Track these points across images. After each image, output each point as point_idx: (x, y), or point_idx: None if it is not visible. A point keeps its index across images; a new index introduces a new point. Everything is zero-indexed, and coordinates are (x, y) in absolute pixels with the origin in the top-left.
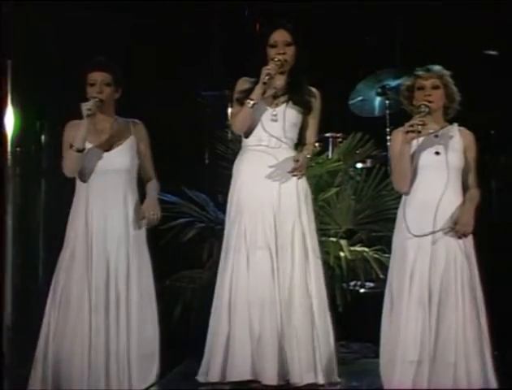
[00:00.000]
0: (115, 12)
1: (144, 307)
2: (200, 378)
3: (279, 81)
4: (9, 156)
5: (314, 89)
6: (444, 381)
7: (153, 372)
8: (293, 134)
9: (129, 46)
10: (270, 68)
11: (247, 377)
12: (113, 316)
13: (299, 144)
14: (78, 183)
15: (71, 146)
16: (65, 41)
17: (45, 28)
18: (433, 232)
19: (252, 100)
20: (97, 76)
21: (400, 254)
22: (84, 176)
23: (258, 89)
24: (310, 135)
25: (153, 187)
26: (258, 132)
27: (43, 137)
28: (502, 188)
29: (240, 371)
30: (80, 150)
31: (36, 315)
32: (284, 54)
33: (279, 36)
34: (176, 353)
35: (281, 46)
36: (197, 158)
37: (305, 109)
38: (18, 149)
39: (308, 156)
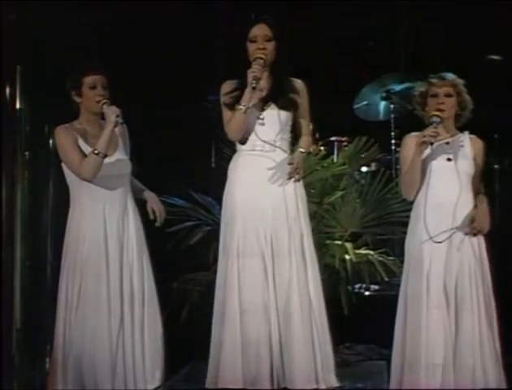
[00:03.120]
0: (119, 15)
1: (152, 307)
2: (208, 385)
3: (263, 81)
4: (18, 160)
5: (298, 82)
6: (465, 383)
7: (158, 371)
8: (286, 134)
9: (135, 50)
10: (255, 70)
11: (239, 385)
12: (127, 316)
13: (295, 141)
14: (80, 187)
15: (95, 151)
16: (72, 45)
17: (52, 32)
18: (451, 234)
19: (243, 105)
20: (97, 81)
21: (415, 258)
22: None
23: (247, 94)
24: (304, 128)
25: (141, 185)
26: (251, 137)
27: (51, 141)
28: (506, 193)
29: (231, 379)
30: (106, 156)
31: (45, 317)
32: (263, 48)
33: (260, 30)
34: (183, 355)
35: (261, 41)
36: (204, 161)
37: (292, 107)
38: (26, 153)
39: (303, 152)
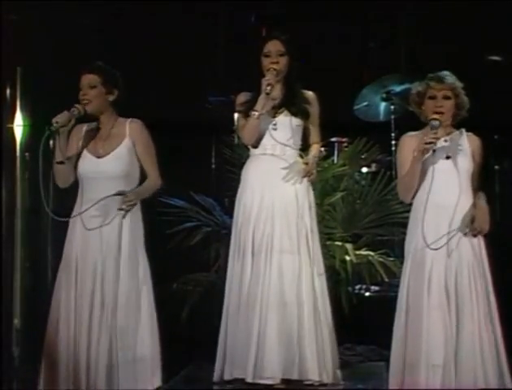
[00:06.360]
0: (122, 17)
1: (134, 312)
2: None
3: (276, 91)
4: (18, 161)
5: (309, 93)
6: (465, 384)
7: (146, 377)
8: (296, 140)
9: (136, 52)
10: (269, 78)
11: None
12: (96, 321)
13: (304, 148)
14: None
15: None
16: (73, 46)
17: (53, 34)
18: (450, 238)
19: (257, 111)
20: (83, 80)
21: (416, 259)
22: (81, 184)
23: (262, 100)
24: (314, 137)
25: (144, 184)
26: (263, 142)
27: (51, 142)
28: (506, 193)
29: (242, 370)
30: (60, 162)
31: (45, 317)
32: (277, 62)
33: (273, 46)
34: (183, 355)
35: (274, 56)
36: (204, 162)
37: (303, 116)
38: (27, 154)
39: (315, 157)
